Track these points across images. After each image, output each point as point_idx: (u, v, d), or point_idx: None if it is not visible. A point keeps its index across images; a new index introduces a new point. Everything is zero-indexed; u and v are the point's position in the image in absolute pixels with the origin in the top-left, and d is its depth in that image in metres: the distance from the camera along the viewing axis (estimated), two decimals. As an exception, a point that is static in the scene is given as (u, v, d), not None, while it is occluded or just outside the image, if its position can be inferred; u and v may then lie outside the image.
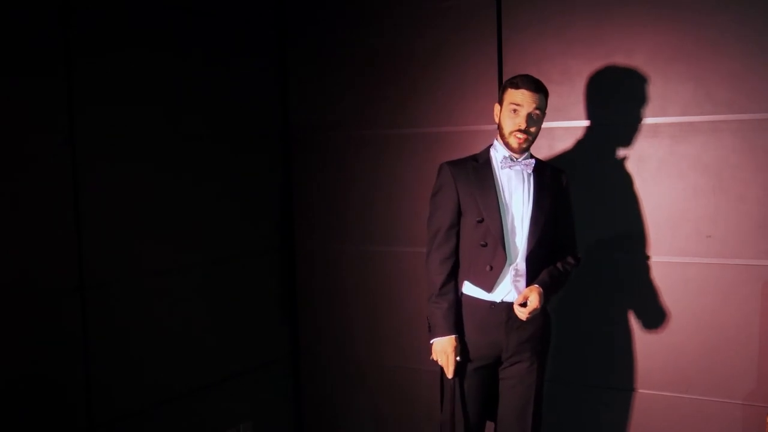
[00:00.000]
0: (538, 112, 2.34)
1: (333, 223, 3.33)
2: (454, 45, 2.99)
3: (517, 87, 2.33)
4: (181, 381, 2.88)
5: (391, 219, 3.19)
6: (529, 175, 2.39)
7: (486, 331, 2.38)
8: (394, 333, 3.21)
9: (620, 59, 2.71)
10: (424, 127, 2.85)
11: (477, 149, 2.83)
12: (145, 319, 2.72)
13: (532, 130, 2.35)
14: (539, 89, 2.34)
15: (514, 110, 2.33)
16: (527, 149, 2.39)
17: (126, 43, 2.65)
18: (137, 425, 2.69)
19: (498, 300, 2.37)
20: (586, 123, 2.79)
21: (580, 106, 2.79)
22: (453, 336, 2.36)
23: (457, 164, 2.44)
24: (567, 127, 2.81)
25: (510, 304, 2.35)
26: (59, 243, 2.42)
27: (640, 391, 2.77)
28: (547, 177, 2.43)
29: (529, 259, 2.36)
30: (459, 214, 2.41)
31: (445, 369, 2.37)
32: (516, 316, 2.33)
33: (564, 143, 2.82)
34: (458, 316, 2.40)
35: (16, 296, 2.30)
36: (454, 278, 2.42)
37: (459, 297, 2.42)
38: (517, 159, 2.38)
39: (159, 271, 2.78)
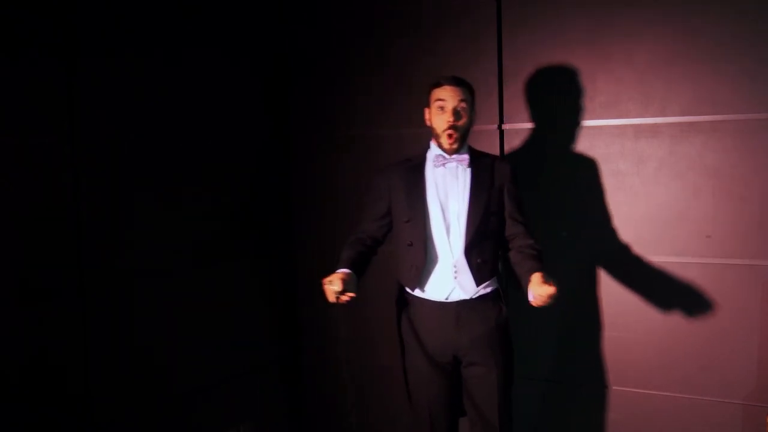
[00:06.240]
0: (463, 104, 2.41)
1: (333, 223, 3.33)
2: (454, 45, 3.00)
3: (439, 85, 2.43)
4: (181, 381, 2.88)
5: (391, 219, 3.18)
6: (464, 170, 2.44)
7: (437, 330, 2.44)
8: (394, 333, 3.20)
9: (620, 59, 2.71)
10: (424, 127, 2.83)
11: (476, 148, 2.83)
12: (146, 319, 2.72)
13: (460, 123, 2.41)
14: (461, 83, 2.43)
15: (441, 107, 2.41)
16: (459, 149, 2.44)
17: (126, 43, 2.65)
18: (137, 425, 2.69)
19: (443, 299, 2.42)
20: (585, 123, 2.79)
21: (580, 107, 2.79)
22: (341, 270, 2.36)
23: (392, 168, 2.53)
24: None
25: (457, 303, 2.40)
26: (59, 243, 2.42)
27: (640, 390, 2.77)
28: (487, 169, 2.46)
29: (469, 254, 2.39)
30: (388, 213, 2.51)
31: (327, 295, 2.31)
32: (465, 315, 2.40)
33: (564, 143, 2.83)
34: (357, 262, 2.43)
35: (16, 296, 2.30)
36: (365, 245, 2.50)
37: (365, 256, 2.48)
38: (449, 156, 2.44)
39: (159, 272, 2.78)
